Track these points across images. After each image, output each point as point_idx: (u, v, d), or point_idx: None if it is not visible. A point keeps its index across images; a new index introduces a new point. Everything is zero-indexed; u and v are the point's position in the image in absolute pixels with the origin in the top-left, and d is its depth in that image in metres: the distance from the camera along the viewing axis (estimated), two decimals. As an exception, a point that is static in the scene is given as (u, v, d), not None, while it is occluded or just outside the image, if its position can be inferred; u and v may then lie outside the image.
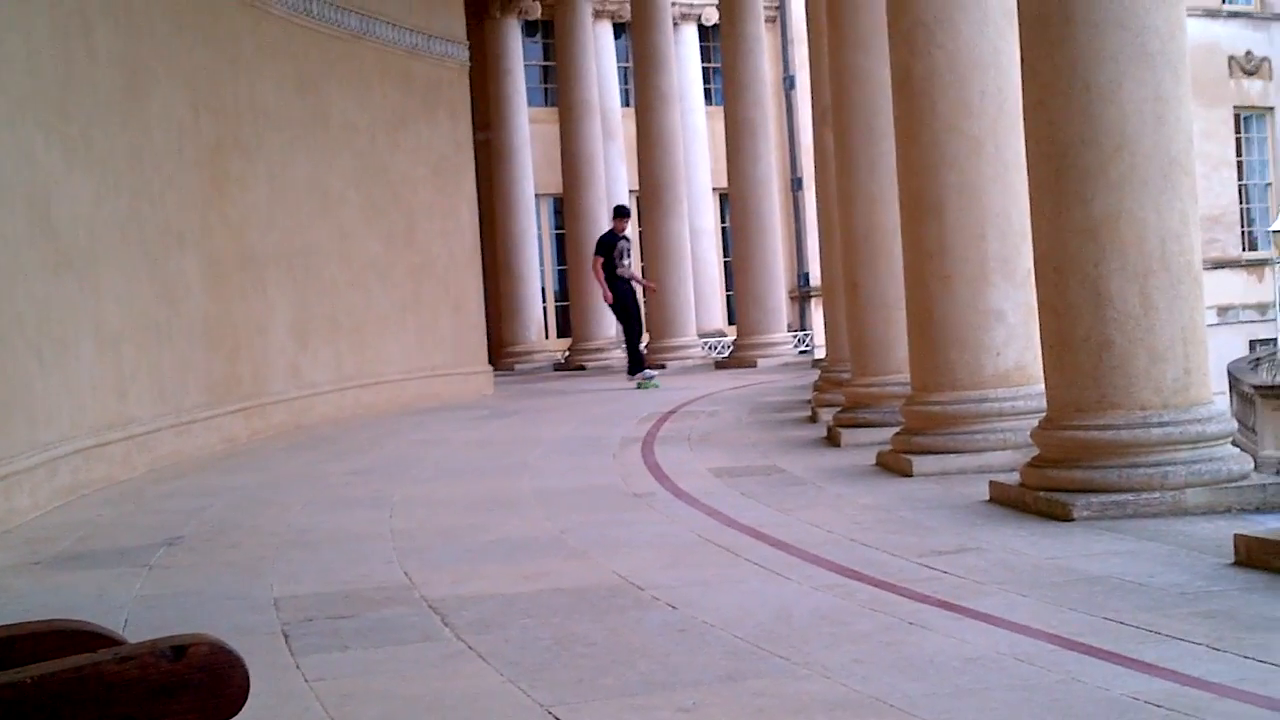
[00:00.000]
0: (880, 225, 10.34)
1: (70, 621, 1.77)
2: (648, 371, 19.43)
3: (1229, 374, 24.92)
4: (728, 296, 28.99)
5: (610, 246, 19.67)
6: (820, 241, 14.89)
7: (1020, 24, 7.20)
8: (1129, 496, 6.72)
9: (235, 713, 1.38)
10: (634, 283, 20.16)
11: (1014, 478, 7.49)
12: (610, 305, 19.92)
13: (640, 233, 26.68)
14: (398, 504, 8.73)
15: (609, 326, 26.43)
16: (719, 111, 25.49)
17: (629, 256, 19.76)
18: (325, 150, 15.54)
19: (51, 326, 9.56)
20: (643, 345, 20.78)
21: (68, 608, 5.69)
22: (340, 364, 15.56)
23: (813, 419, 12.65)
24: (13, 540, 7.86)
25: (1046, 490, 7.00)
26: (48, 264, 9.57)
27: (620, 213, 20.37)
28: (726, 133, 22.94)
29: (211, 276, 12.71)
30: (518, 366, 26.04)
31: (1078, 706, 3.83)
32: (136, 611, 5.82)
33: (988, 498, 7.54)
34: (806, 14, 15.14)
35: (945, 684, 4.11)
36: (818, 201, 14.66)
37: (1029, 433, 7.60)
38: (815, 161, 14.54)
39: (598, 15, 28.21)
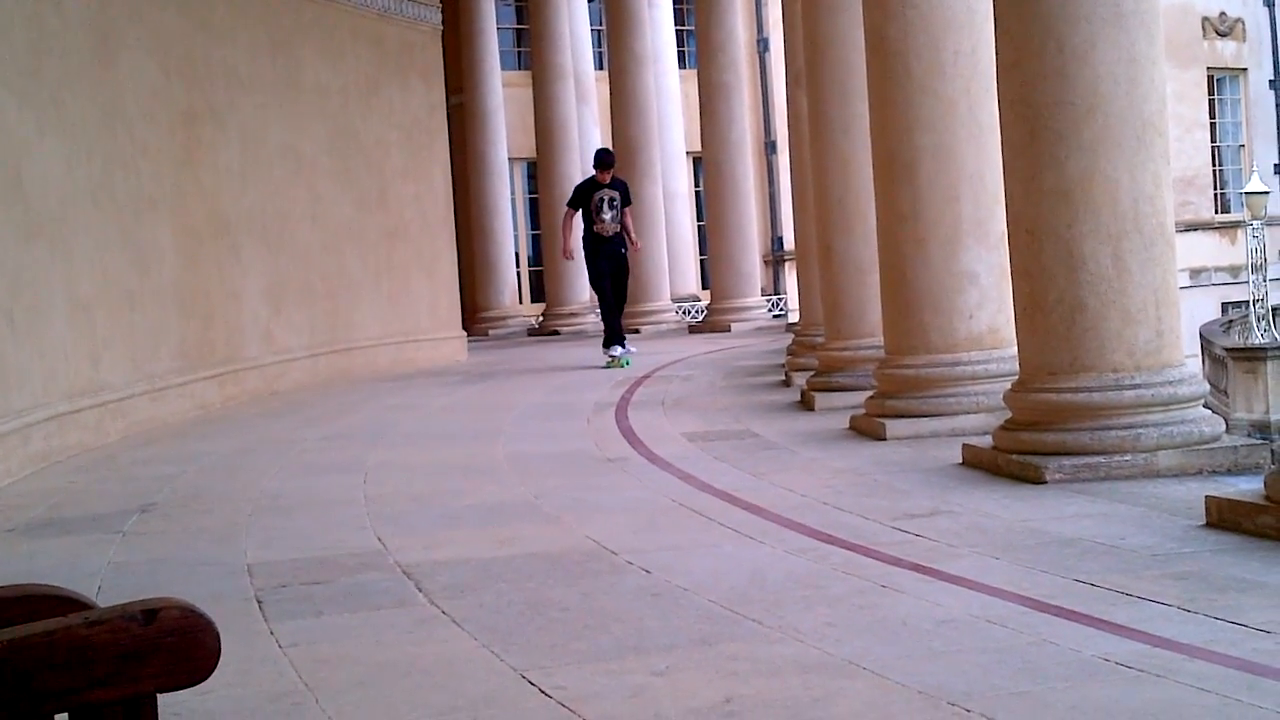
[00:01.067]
0: (854, 188, 10.34)
1: (41, 586, 1.77)
2: (626, 348, 16.41)
3: (1201, 336, 25.08)
4: (701, 261, 29.01)
5: (586, 196, 16.51)
6: (794, 205, 14.89)
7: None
8: (1101, 459, 6.75)
9: (206, 676, 1.38)
10: (626, 238, 16.65)
11: (987, 441, 7.52)
12: (587, 268, 17.38)
13: (614, 197, 26.61)
14: (371, 469, 8.72)
15: (582, 291, 26.41)
16: (693, 75, 25.45)
17: (610, 210, 16.28)
18: (297, 115, 15.47)
19: (23, 292, 9.52)
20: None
21: (41, 574, 5.68)
22: (314, 329, 15.52)
23: (786, 383, 12.67)
24: (-15, 506, 7.85)
25: (1019, 453, 7.02)
26: (19, 230, 9.53)
27: (601, 160, 16.90)
28: (700, 96, 22.90)
29: (184, 242, 12.66)
30: (492, 332, 26.04)
31: (1049, 668, 3.85)
32: (110, 578, 5.82)
33: (960, 461, 7.57)
34: (780, -23, 15.14)
35: (918, 646, 4.13)
36: (791, 165, 14.65)
37: (1002, 396, 7.63)
38: (789, 124, 14.54)
39: (571, -22, 28.11)
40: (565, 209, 17.18)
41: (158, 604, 1.39)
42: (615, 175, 16.74)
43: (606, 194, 16.32)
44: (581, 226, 16.51)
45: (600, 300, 16.91)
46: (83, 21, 11.08)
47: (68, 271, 10.38)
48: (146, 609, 1.38)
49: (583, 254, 16.76)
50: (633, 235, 16.61)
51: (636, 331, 23.58)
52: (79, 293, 10.55)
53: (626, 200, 16.48)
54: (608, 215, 16.24)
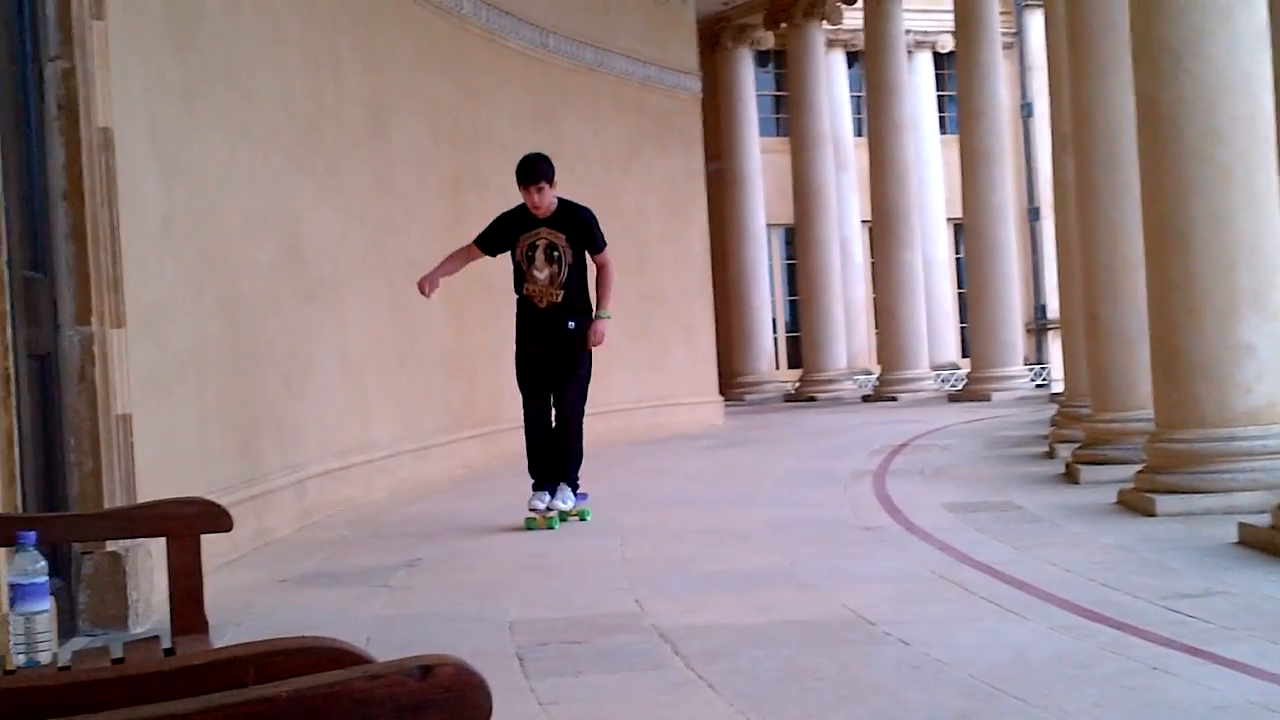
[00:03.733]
0: (1122, 255, 10.13)
1: (320, 639, 1.83)
2: (569, 495, 9.44)
3: None
4: (961, 328, 28.68)
5: (506, 237, 9.52)
6: (1058, 272, 14.65)
7: (1275, 45, 6.98)
8: (1385, 540, 6.48)
9: (479, 732, 1.41)
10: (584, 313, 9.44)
11: (1265, 519, 7.24)
12: (516, 349, 9.55)
13: (872, 263, 26.57)
14: (628, 532, 8.79)
15: (839, 357, 26.31)
16: (953, 140, 25.26)
17: (549, 263, 9.35)
18: (560, 181, 15.72)
19: (299, 353, 9.84)
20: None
21: (313, 625, 5.85)
22: (573, 392, 15.71)
23: (1050, 455, 12.43)
24: (262, 558, 8.10)
25: (1297, 532, 6.77)
26: (296, 293, 9.86)
27: (527, 172, 9.46)
28: (961, 161, 22.68)
29: (451, 305, 12.96)
30: (747, 397, 26.09)
31: (1329, 756, 3.71)
32: (379, 630, 5.95)
33: (1236, 540, 7.31)
34: (1046, 40, 14.93)
35: (1188, 728, 4.01)
36: (1056, 231, 14.42)
37: None
38: (1054, 190, 14.32)
39: (830, 44, 28.22)
40: (468, 247, 9.76)
41: (433, 660, 1.43)
42: (565, 201, 9.56)
43: (544, 236, 9.36)
44: (459, 261, 9.78)
45: (525, 414, 9.49)
46: (359, 94, 11.47)
47: (341, 333, 10.71)
48: (423, 664, 1.42)
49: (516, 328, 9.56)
50: (603, 306, 9.44)
51: (894, 399, 23.45)
52: (351, 353, 10.87)
53: (590, 244, 9.41)
54: (543, 272, 9.33)
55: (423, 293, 9.40)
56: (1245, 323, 8.21)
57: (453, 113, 13.49)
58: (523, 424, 9.49)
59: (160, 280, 7.30)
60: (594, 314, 9.38)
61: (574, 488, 9.46)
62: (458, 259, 9.70)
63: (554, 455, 9.35)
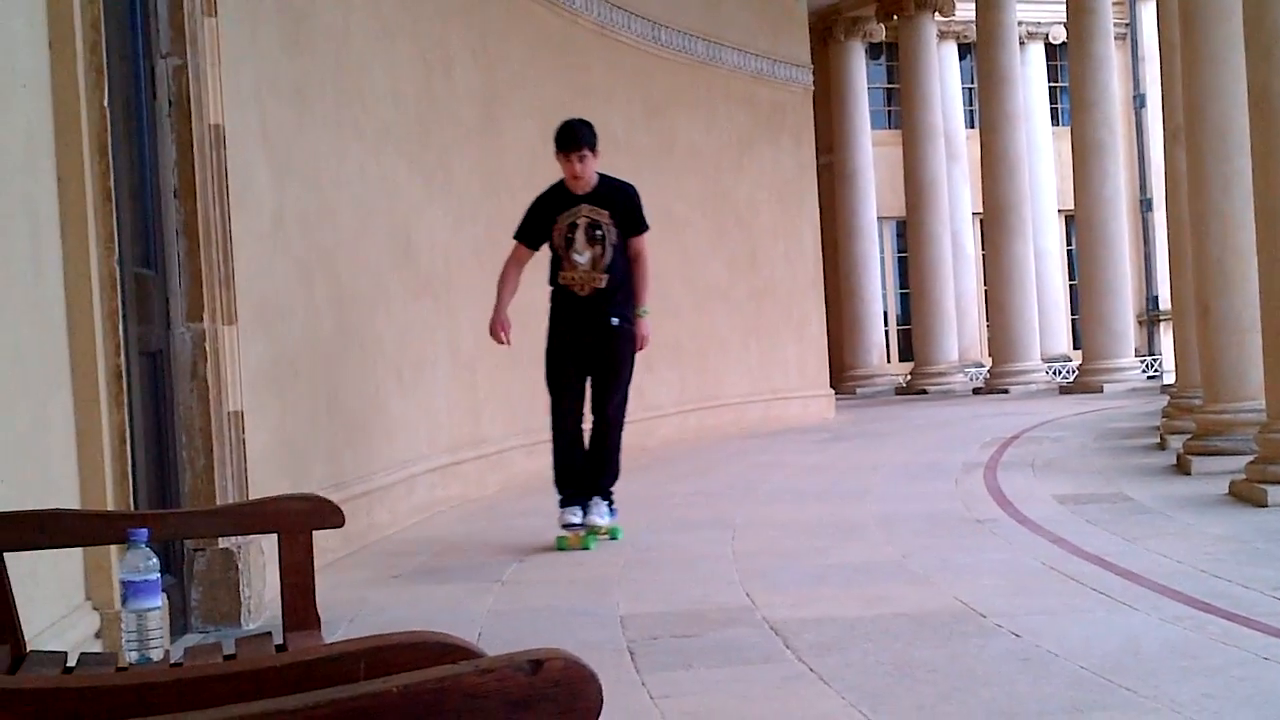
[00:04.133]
0: (1234, 246, 9.99)
1: (431, 634, 1.85)
2: (604, 511, 8.43)
3: None
4: (1072, 320, 28.39)
5: (545, 219, 8.55)
6: (1170, 264, 14.46)
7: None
8: None
9: (587, 728, 1.43)
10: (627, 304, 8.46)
11: (1380, 510, 7.15)
12: (547, 348, 8.63)
13: (983, 255, 26.35)
14: (739, 526, 8.79)
15: (951, 350, 26.12)
16: (1065, 132, 25.03)
17: (591, 244, 8.35)
18: (670, 175, 15.76)
19: (410, 349, 9.92)
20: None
21: (425, 620, 5.92)
22: (683, 386, 15.75)
23: (1161, 446, 12.29)
24: (372, 554, 8.18)
25: None
26: (408, 289, 9.94)
27: (569, 138, 8.53)
28: (1073, 153, 22.47)
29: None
30: (859, 390, 25.98)
31: None
32: (490, 625, 6.00)
33: (1350, 530, 7.22)
34: (1158, 30, 14.75)
35: (1304, 723, 3.96)
36: (1168, 222, 14.24)
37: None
38: (1166, 181, 14.13)
39: (942, 36, 28.01)
40: (514, 247, 8.69)
41: (543, 655, 1.44)
42: (608, 176, 8.56)
43: (585, 214, 8.36)
44: (514, 276, 8.63)
45: (554, 417, 8.52)
46: (470, 90, 11.54)
47: (451, 329, 10.78)
48: (533, 659, 1.43)
49: (549, 321, 8.59)
50: (642, 301, 8.45)
51: (1005, 392, 23.26)
52: (462, 349, 10.94)
53: (634, 225, 8.42)
54: (584, 254, 8.32)
55: (500, 340, 8.50)
56: (1361, 312, 8.09)
57: (564, 108, 13.53)
58: (550, 428, 8.52)
59: (271, 277, 7.39)
60: (638, 310, 8.41)
61: (610, 502, 8.46)
62: (512, 277, 8.54)
63: (589, 465, 8.41)
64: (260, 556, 6.29)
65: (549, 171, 11.93)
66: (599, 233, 8.30)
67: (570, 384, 8.45)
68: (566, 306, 8.41)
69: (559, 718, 1.43)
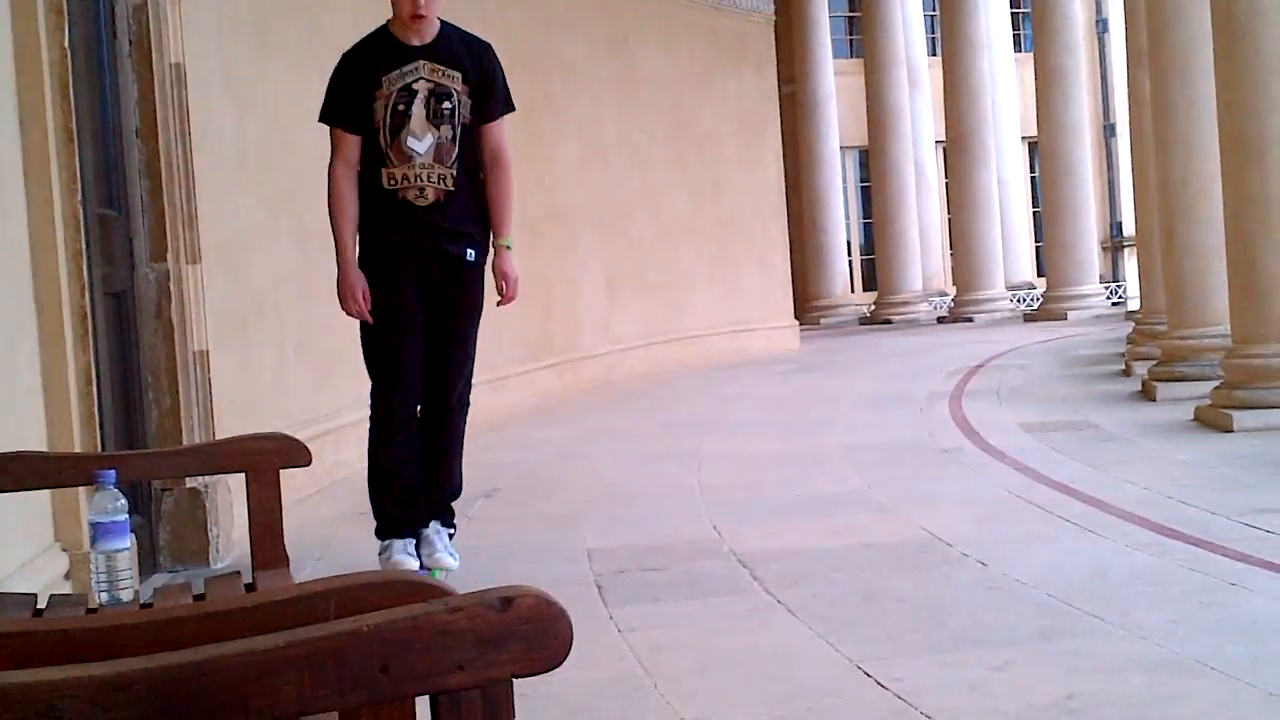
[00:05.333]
0: (1198, 171, 10.01)
1: (401, 573, 1.85)
2: (437, 546, 5.64)
3: None
4: (1037, 248, 28.47)
5: (366, 87, 5.55)
6: (1134, 190, 14.49)
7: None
8: None
9: (560, 663, 1.44)
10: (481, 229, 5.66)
11: (1342, 433, 7.21)
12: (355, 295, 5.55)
13: (947, 184, 26.37)
14: (705, 458, 8.82)
15: (914, 279, 26.17)
16: (1028, 59, 25.02)
17: (433, 125, 5.47)
18: (633, 107, 15.70)
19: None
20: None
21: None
22: (648, 319, 15.75)
23: (1126, 373, 12.35)
24: (339, 492, 8.17)
25: (1377, 447, 6.72)
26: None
27: None
28: (1036, 80, 22.46)
29: (525, 235, 12.91)
30: (823, 320, 26.01)
31: None
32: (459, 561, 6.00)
33: (1313, 454, 7.28)
34: (1120, -44, 14.74)
35: (1269, 647, 4.00)
36: (1131, 148, 14.25)
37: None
38: (1129, 107, 14.13)
39: (904, -36, 27.89)
40: (325, 138, 5.80)
41: (514, 592, 1.44)
42: (456, 28, 5.83)
43: (426, 76, 5.58)
44: (349, 191, 5.61)
45: (381, 410, 5.81)
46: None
47: (415, 264, 10.71)
48: (503, 596, 1.43)
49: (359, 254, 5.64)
50: (505, 228, 5.68)
51: (969, 320, 23.34)
52: (425, 285, 10.88)
53: (493, 103, 5.64)
54: (423, 140, 5.50)
55: (355, 312, 5.58)
56: (1323, 236, 8.13)
57: (527, 39, 13.45)
58: (372, 428, 5.83)
59: (235, 216, 7.34)
60: (491, 241, 5.64)
61: (453, 528, 5.81)
62: (347, 193, 5.52)
63: (424, 476, 5.73)
64: (228, 495, 6.28)
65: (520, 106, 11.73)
66: (447, 106, 5.46)
67: (408, 354, 5.60)
68: (394, 226, 5.47)
69: (530, 654, 1.44)
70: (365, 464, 5.85)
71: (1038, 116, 22.67)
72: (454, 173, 5.48)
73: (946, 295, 27.83)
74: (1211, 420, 8.66)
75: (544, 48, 13.81)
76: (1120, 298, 27.46)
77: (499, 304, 5.78)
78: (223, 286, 6.94)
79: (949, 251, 28.17)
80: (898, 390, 12.51)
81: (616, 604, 5.00)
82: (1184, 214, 10.30)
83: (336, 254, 5.57)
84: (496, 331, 12.16)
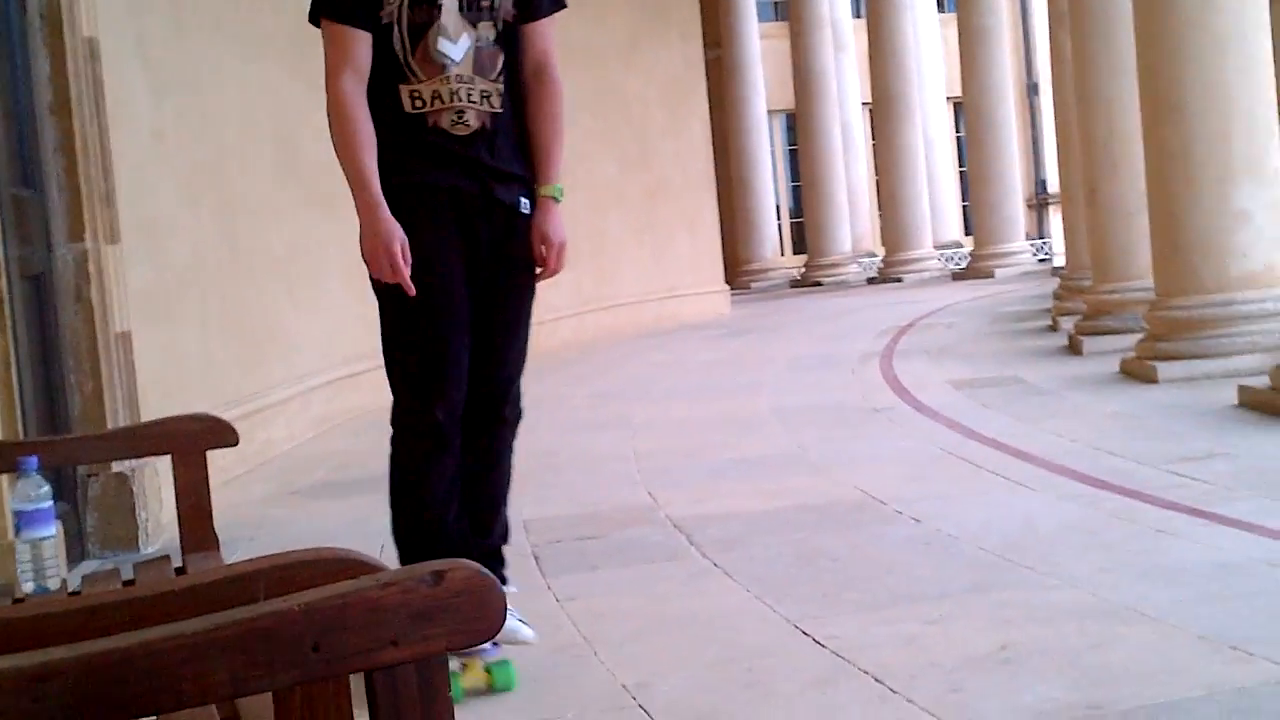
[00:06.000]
0: (1120, 129, 10.09)
1: (332, 550, 1.84)
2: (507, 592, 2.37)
3: None
4: (964, 207, 28.61)
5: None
6: (1057, 147, 14.58)
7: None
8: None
9: (492, 635, 1.43)
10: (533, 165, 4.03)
11: (1264, 381, 7.29)
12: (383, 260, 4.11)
13: (874, 145, 26.44)
14: (639, 425, 8.82)
15: (844, 241, 26.24)
16: (952, 19, 25.08)
17: (469, 29, 3.82)
18: (562, 73, 15.61)
19: (301, 262, 9.80)
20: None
21: (326, 535, 5.89)
22: (579, 289, 15.71)
23: (1053, 328, 12.46)
24: (271, 470, 8.13)
25: (1301, 394, 6.80)
26: (296, 200, 9.80)
27: None
28: (960, 40, 22.52)
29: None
30: (753, 284, 26.06)
31: (1337, 615, 3.74)
32: (391, 539, 5.98)
33: (1236, 402, 7.35)
34: (1038, -87, 14.80)
35: (1197, 591, 4.04)
36: (1055, 107, 14.34)
37: (1278, 334, 7.39)
38: (1052, 66, 14.20)
39: (826, -76, 27.88)
40: (328, 48, 3.88)
41: (445, 566, 1.43)
42: None
43: None
44: (365, 121, 3.90)
45: (420, 428, 4.40)
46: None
47: (343, 239, 10.57)
48: (435, 570, 1.42)
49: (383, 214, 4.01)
50: (553, 172, 4.07)
51: (899, 280, 23.45)
52: (355, 259, 10.78)
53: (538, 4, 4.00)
54: (458, 44, 3.82)
55: (396, 276, 4.17)
56: (1241, 190, 8.22)
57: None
58: (398, 462, 4.61)
59: (155, 193, 7.26)
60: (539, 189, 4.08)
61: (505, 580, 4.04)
62: (362, 117, 3.88)
63: (472, 521, 4.26)
64: (155, 479, 6.22)
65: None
66: (486, 5, 3.92)
67: (456, 347, 4.19)
68: (423, 167, 3.97)
69: (463, 627, 1.43)
70: (295, 441, 5.59)
71: (962, 77, 22.77)
72: (500, 89, 3.93)
73: (875, 256, 27.93)
74: (1137, 372, 8.75)
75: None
76: (1046, 254, 27.66)
77: (538, 277, 4.22)
78: (144, 266, 6.86)
79: (878, 212, 28.28)
80: (829, 352, 12.56)
81: (554, 574, 5.00)
82: (1106, 171, 10.39)
83: (356, 196, 4.02)
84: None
